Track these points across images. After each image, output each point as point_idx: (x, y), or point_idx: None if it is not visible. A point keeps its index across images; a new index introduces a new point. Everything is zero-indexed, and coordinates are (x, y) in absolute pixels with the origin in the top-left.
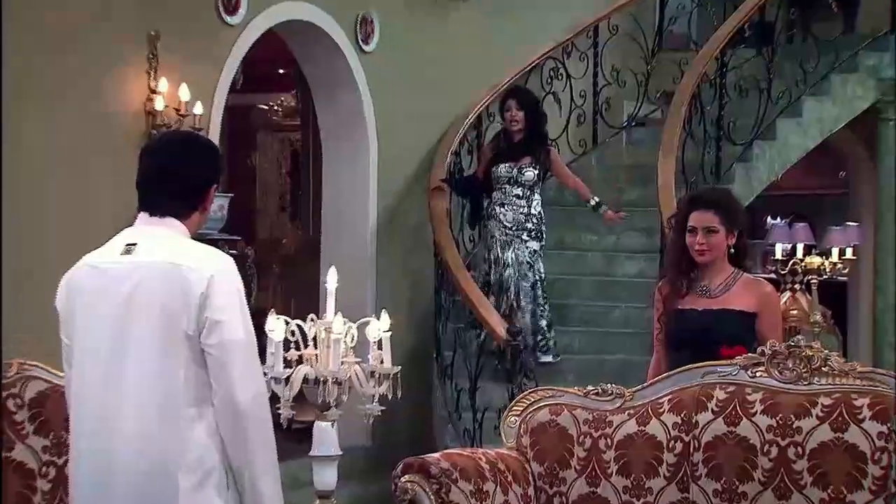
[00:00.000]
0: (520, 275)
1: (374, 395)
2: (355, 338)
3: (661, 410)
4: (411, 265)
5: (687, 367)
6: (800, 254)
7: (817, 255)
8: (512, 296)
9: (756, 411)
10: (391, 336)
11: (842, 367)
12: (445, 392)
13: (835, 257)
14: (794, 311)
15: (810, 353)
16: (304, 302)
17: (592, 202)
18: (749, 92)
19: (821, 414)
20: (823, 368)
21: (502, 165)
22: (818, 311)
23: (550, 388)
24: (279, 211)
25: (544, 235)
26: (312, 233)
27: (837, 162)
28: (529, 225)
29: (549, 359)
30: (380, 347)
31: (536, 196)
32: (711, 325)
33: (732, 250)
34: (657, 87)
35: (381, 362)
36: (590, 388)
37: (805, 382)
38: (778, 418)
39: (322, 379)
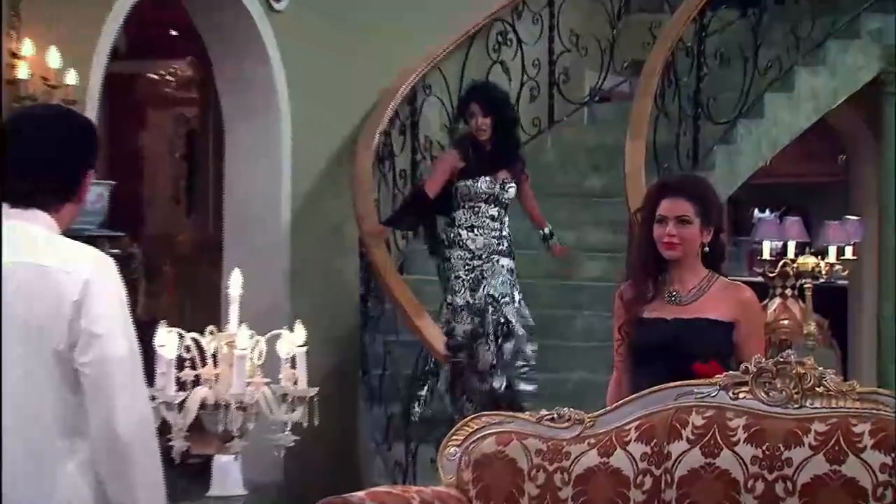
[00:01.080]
0: (501, 304)
1: (286, 423)
2: (264, 354)
3: (628, 439)
4: (333, 267)
5: (658, 387)
6: (791, 253)
7: (812, 254)
8: (499, 334)
9: (739, 439)
10: (308, 352)
11: (839, 388)
12: (373, 418)
13: (832, 257)
14: (785, 322)
15: (802, 371)
16: (203, 311)
17: (546, 230)
18: (732, 61)
19: (814, 443)
20: (818, 389)
21: (482, 180)
22: (813, 321)
23: (496, 413)
24: (172, 202)
25: (514, 252)
26: (213, 228)
27: (836, 144)
28: (502, 247)
29: (530, 388)
30: (293, 365)
31: (507, 216)
32: (682, 337)
33: (707, 249)
34: (624, 56)
35: (296, 383)
36: (544, 412)
37: (796, 405)
38: (764, 448)
39: (223, 404)
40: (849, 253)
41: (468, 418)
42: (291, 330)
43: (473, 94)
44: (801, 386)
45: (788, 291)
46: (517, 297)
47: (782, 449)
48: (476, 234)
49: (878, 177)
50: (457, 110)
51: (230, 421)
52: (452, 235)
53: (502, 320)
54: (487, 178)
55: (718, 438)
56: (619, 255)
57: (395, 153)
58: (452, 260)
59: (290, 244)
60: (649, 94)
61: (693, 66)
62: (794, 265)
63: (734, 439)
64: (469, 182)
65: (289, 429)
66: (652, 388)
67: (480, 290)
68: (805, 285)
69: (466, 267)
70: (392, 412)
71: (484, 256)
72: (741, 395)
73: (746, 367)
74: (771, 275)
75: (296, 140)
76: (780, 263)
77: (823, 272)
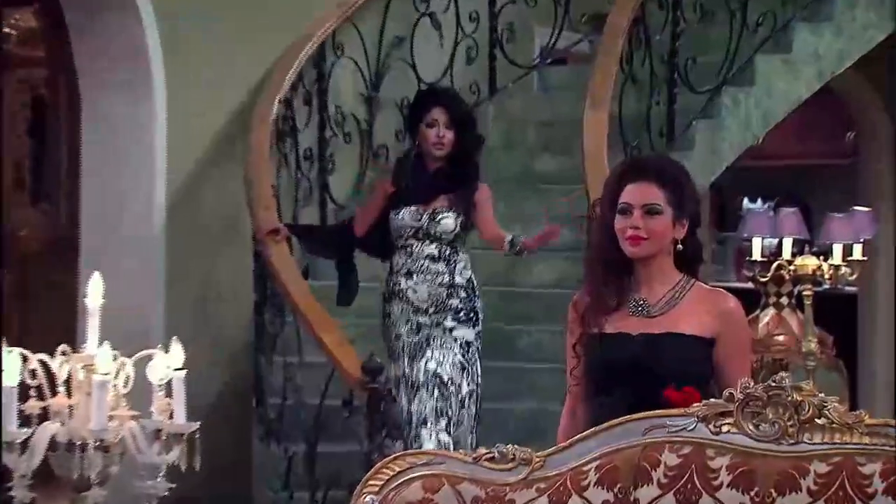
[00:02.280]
0: (448, 391)
1: (159, 467)
2: (132, 380)
3: (586, 483)
4: (221, 270)
5: (623, 419)
6: (787, 253)
7: (813, 254)
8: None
9: (722, 483)
10: (188, 377)
11: (844, 419)
12: (271, 460)
13: (837, 258)
14: (780, 337)
15: (799, 398)
16: (54, 326)
17: (507, 239)
18: (716, 15)
19: (814, 487)
20: (818, 420)
21: (405, 210)
22: (814, 337)
23: (423, 451)
24: (15, 188)
25: (480, 316)
26: (66, 222)
27: (842, 119)
28: (455, 301)
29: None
30: (169, 394)
31: (462, 254)
32: (650, 357)
33: (680, 247)
34: (583, 8)
35: (171, 417)
36: (482, 450)
37: (792, 441)
38: (753, 494)
39: (79, 443)
40: (857, 253)
41: (389, 458)
42: (167, 350)
43: (438, 97)
44: (798, 417)
45: (784, 300)
46: (471, 385)
47: (774, 495)
48: (417, 282)
49: (894, 158)
50: (408, 115)
51: (87, 464)
52: (391, 285)
53: (442, 405)
54: (412, 208)
55: (697, 482)
56: (577, 256)
57: (299, 128)
58: (392, 315)
59: (165, 241)
60: (614, 56)
61: (668, 21)
62: (791, 268)
63: (716, 483)
64: (392, 213)
65: (162, 474)
66: (615, 421)
67: (422, 362)
68: (804, 293)
69: (409, 324)
70: (294, 452)
71: (430, 313)
72: (724, 429)
73: (731, 394)
74: (763, 280)
75: (173, 110)
76: (774, 266)
77: (827, 276)
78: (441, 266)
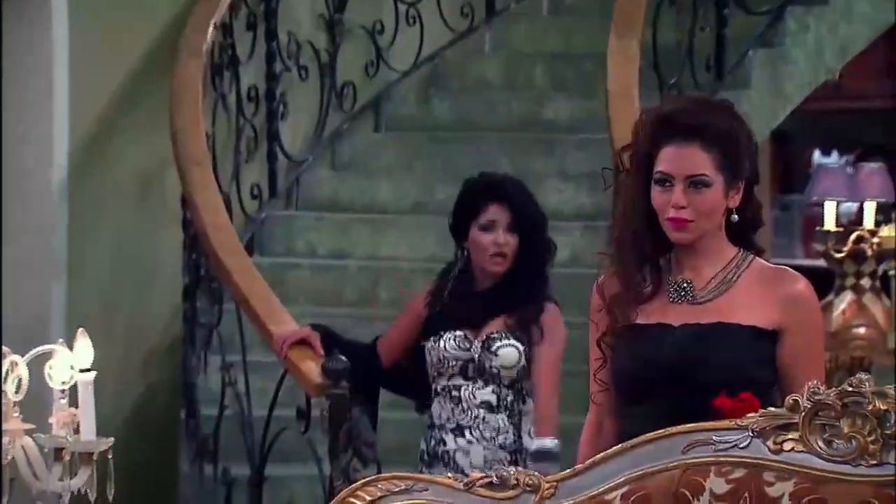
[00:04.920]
0: None
1: (62, 495)
2: (25, 384)
3: None
4: (140, 246)
5: (657, 433)
6: (870, 221)
7: None
8: None
9: None
10: (98, 381)
11: None
12: (204, 486)
13: None
14: (861, 329)
15: (883, 407)
16: None
17: (545, 444)
18: None
19: None
20: None
21: (449, 337)
22: None
23: (402, 475)
24: None
25: None
26: None
27: None
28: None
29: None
30: (74, 403)
31: (528, 402)
32: (697, 354)
33: (735, 217)
34: None
35: (77, 431)
36: (476, 474)
37: (873, 461)
38: None
39: None
40: None
41: (357, 485)
42: (71, 347)
43: (495, 189)
44: (882, 431)
45: (865, 282)
46: None
47: None
48: (471, 441)
49: None
50: (454, 214)
51: None
52: (433, 444)
53: None
54: (458, 334)
55: None
56: (598, 226)
57: (241, 60)
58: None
59: (67, 215)
60: None
61: None
62: (875, 240)
63: None
64: (430, 343)
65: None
66: (647, 436)
67: None
68: (892, 273)
69: None
70: (235, 476)
71: None
72: (787, 446)
73: (795, 402)
74: (838, 255)
75: (78, 37)
76: (853, 237)
77: None
78: (502, 419)
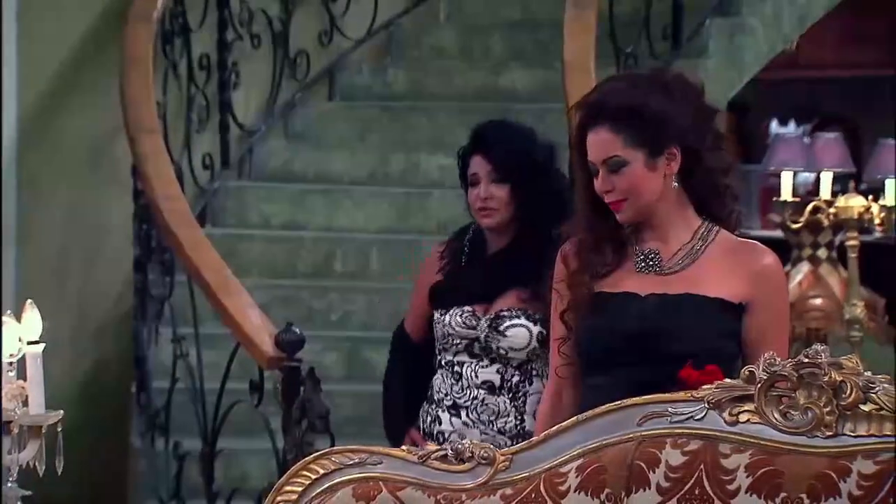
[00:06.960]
0: None
1: (10, 469)
2: None
3: (564, 488)
4: (90, 216)
5: (611, 405)
6: (827, 191)
7: (860, 193)
8: None
9: (739, 487)
10: (47, 353)
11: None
12: (156, 461)
13: (891, 198)
14: (817, 300)
15: (839, 378)
16: None
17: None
18: None
19: (857, 491)
20: (863, 407)
21: (455, 312)
22: (860, 300)
23: (356, 448)
24: None
25: None
26: None
27: None
28: None
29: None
30: (23, 375)
31: (536, 383)
32: (664, 323)
33: (675, 184)
34: None
35: (25, 404)
36: (431, 446)
37: (829, 433)
38: (779, 501)
39: None
40: None
41: (310, 458)
42: (19, 319)
43: (473, 138)
44: (838, 402)
45: (822, 253)
46: None
47: (807, 501)
48: (466, 422)
49: None
50: (460, 169)
51: None
52: (428, 421)
53: None
54: (466, 309)
55: (707, 486)
56: None
57: (192, 27)
58: None
59: (15, 184)
60: None
61: None
62: (832, 210)
63: (732, 487)
64: (438, 314)
65: (14, 478)
66: (602, 408)
67: None
68: (848, 243)
69: None
70: (187, 451)
71: None
72: (743, 418)
73: (751, 374)
74: (795, 226)
75: (25, 13)
76: (810, 208)
77: (877, 222)
78: (504, 401)
